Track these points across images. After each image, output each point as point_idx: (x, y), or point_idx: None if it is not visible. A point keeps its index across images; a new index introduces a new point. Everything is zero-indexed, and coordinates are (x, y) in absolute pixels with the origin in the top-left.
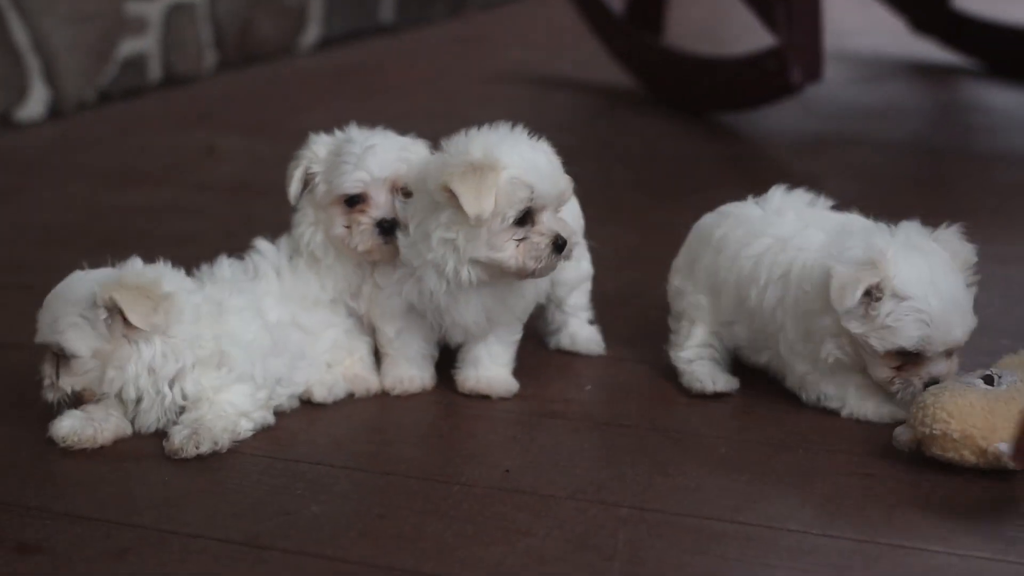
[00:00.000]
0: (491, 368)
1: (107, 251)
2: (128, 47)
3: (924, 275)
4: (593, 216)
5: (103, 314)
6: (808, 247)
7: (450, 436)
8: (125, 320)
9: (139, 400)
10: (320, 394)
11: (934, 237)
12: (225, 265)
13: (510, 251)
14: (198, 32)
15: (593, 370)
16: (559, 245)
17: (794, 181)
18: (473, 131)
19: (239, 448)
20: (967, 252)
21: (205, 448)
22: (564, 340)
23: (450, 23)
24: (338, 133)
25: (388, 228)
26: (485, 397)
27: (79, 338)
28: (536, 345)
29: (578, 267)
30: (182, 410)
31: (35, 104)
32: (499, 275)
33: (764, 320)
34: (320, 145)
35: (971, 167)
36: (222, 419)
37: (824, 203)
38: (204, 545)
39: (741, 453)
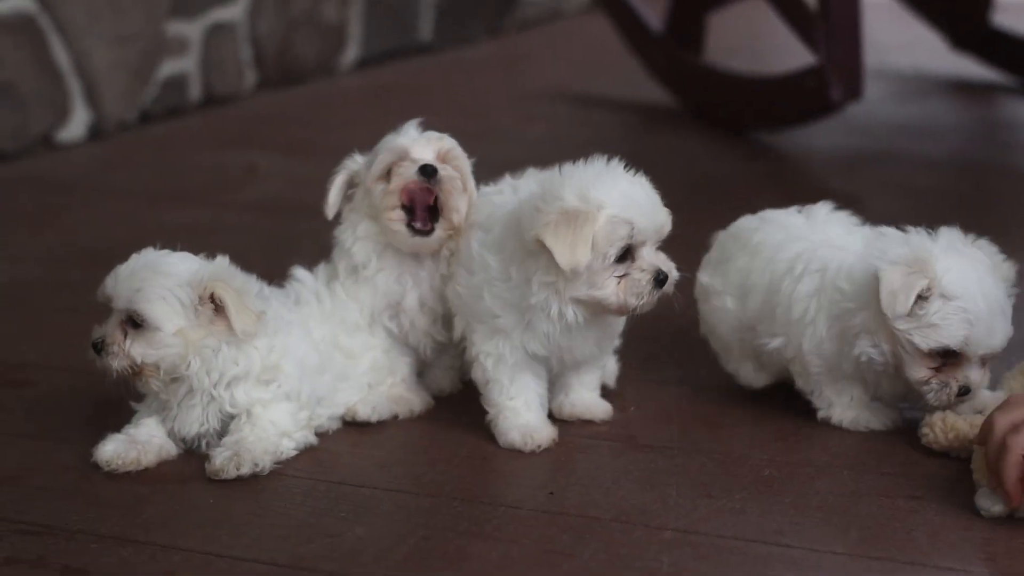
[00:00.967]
0: (584, 394)
1: None
2: (168, 67)
3: (971, 276)
4: None
5: (196, 299)
6: (849, 248)
7: (494, 458)
8: (217, 313)
9: (188, 395)
10: (364, 412)
11: (974, 245)
12: (266, 292)
13: (611, 289)
14: (238, 52)
15: (635, 392)
16: (660, 280)
17: (834, 198)
18: (567, 169)
19: (283, 470)
20: (1006, 267)
21: (246, 470)
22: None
23: (488, 42)
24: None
25: (432, 172)
26: (587, 422)
27: (167, 312)
28: None
29: None
30: (224, 419)
31: (76, 125)
32: (601, 311)
33: (793, 313)
34: (355, 160)
35: (1012, 184)
36: (263, 441)
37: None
38: (249, 568)
39: (785, 475)
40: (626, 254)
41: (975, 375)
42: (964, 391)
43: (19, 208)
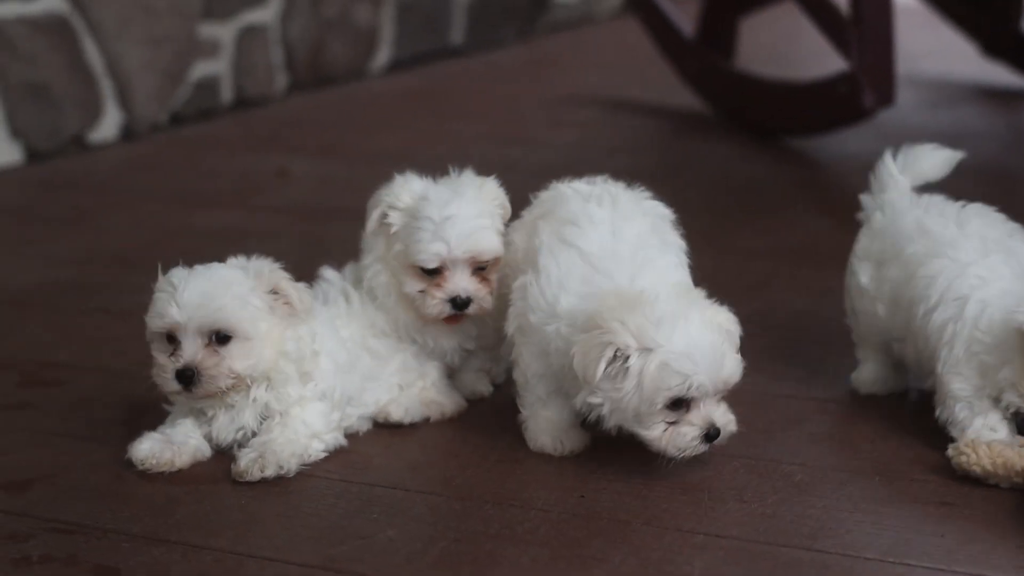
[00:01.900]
0: None
1: None
2: (200, 70)
3: None
4: None
5: (267, 298)
6: (990, 279)
7: (526, 461)
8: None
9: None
10: (397, 413)
11: None
12: None
13: (656, 433)
14: (270, 55)
15: None
16: (710, 436)
17: None
18: (648, 300)
19: (314, 471)
20: None
21: (270, 472)
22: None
23: (520, 46)
24: (416, 184)
25: (462, 304)
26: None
27: (253, 319)
28: None
29: None
30: (261, 421)
31: (108, 126)
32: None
33: (929, 335)
34: (403, 190)
35: None
36: (291, 443)
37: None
38: (281, 569)
39: (817, 480)
40: (681, 401)
41: None
42: None
43: (51, 209)
